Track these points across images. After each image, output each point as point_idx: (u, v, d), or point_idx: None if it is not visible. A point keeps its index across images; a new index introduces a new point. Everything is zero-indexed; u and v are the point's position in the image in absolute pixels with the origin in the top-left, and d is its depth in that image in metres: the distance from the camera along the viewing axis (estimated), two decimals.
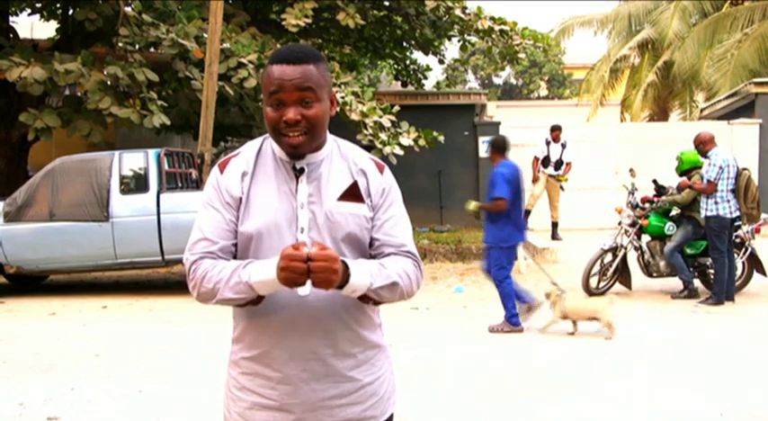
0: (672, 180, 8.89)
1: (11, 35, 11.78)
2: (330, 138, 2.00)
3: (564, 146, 13.06)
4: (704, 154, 8.20)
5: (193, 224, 1.97)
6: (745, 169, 8.19)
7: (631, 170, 9.33)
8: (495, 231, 6.95)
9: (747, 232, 8.46)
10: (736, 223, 8.43)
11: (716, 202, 7.95)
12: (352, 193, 1.93)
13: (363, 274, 1.81)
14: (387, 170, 2.02)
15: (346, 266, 1.78)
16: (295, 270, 1.70)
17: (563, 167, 13.09)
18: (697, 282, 8.53)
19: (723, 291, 7.99)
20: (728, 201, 7.94)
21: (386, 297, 1.88)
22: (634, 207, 8.84)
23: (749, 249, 8.47)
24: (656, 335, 6.78)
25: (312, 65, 1.86)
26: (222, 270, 1.85)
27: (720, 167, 7.94)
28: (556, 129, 13.06)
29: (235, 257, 1.94)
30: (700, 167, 8.34)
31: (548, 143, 13.08)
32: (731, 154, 8.32)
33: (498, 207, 6.84)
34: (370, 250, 1.97)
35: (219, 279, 1.84)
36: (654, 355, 6.06)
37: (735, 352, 6.15)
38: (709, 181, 7.96)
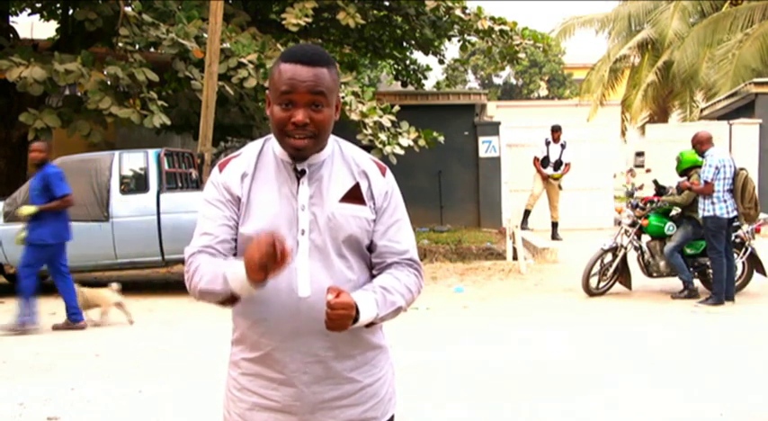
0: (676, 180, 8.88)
1: (11, 35, 11.77)
2: (331, 138, 1.99)
3: (563, 146, 13.06)
4: (701, 153, 8.19)
5: (194, 224, 1.98)
6: (742, 169, 8.19)
7: (630, 171, 9.34)
8: (51, 229, 7.27)
9: (747, 232, 8.46)
10: (736, 223, 8.44)
11: (713, 203, 7.94)
12: (354, 195, 1.93)
13: (370, 309, 1.84)
14: (388, 172, 2.03)
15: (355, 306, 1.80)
16: (262, 254, 1.65)
17: (562, 168, 13.10)
18: (697, 282, 8.52)
19: (723, 290, 7.98)
20: (725, 201, 7.93)
21: (388, 319, 1.93)
22: (634, 207, 8.84)
23: (749, 249, 8.47)
24: (656, 335, 6.78)
25: (326, 68, 1.86)
26: (212, 264, 1.84)
27: (716, 168, 7.93)
28: (557, 130, 13.07)
29: (235, 255, 1.95)
30: (699, 167, 8.34)
31: (547, 143, 13.09)
32: (728, 154, 8.30)
33: (67, 203, 7.29)
34: (372, 257, 1.98)
35: (205, 271, 1.84)
36: (654, 355, 6.06)
37: (735, 352, 6.15)
38: (706, 181, 7.95)
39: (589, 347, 6.39)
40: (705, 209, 7.99)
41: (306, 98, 1.84)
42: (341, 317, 1.75)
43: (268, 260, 1.66)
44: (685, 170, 8.50)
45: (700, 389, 5.12)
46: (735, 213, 8.02)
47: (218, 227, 1.92)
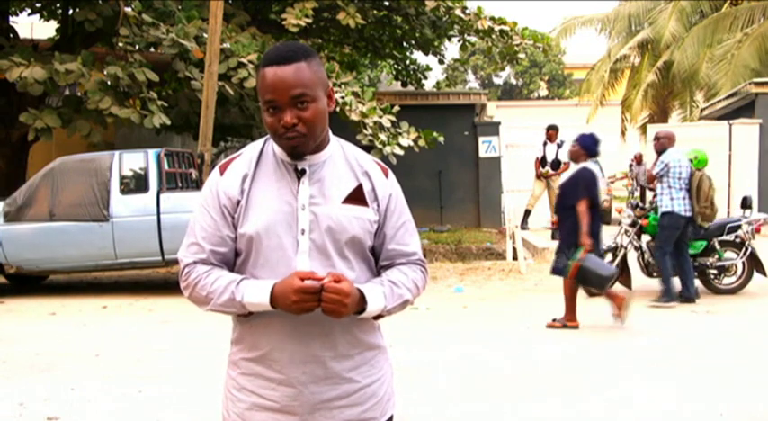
0: None
1: (11, 35, 11.76)
2: (333, 139, 1.99)
3: (560, 146, 13.08)
4: (663, 150, 8.27)
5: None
6: (701, 170, 8.28)
7: (631, 170, 9.39)
8: None
9: (747, 232, 8.48)
10: (736, 223, 8.49)
11: (671, 198, 8.07)
12: (357, 197, 1.93)
13: (378, 300, 1.87)
14: (391, 174, 2.03)
15: (363, 295, 1.84)
16: (306, 302, 1.77)
17: (562, 166, 13.10)
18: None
19: (672, 288, 8.06)
20: (684, 198, 8.04)
21: (395, 312, 1.95)
22: (634, 207, 8.84)
23: (749, 249, 8.48)
24: (655, 335, 6.78)
25: (303, 62, 1.84)
26: (216, 280, 1.88)
27: (666, 165, 8.08)
28: (551, 129, 13.12)
29: (236, 256, 1.95)
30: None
31: (544, 144, 13.13)
32: (684, 155, 8.39)
33: None
34: (380, 259, 2.00)
35: (213, 290, 1.87)
36: (653, 355, 6.06)
37: (735, 352, 6.15)
38: (654, 175, 8.22)
39: (589, 347, 6.39)
40: (664, 204, 8.11)
41: (288, 99, 1.83)
42: (333, 302, 1.77)
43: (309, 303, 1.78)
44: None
45: (700, 389, 5.12)
46: (690, 213, 8.11)
47: (210, 237, 1.92)
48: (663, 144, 8.23)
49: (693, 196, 8.13)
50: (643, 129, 23.13)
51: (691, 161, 8.52)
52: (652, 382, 5.31)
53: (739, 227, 8.51)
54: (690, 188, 8.11)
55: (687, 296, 8.07)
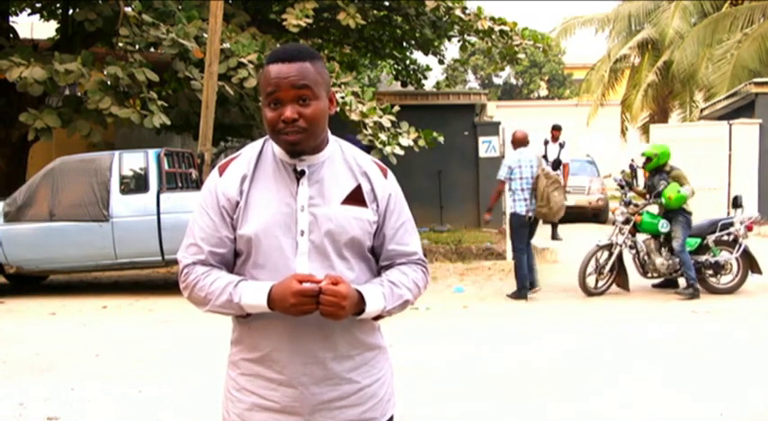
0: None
1: (11, 35, 11.77)
2: (332, 139, 1.99)
3: (562, 146, 13.06)
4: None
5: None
6: (543, 169, 8.55)
7: (625, 171, 9.39)
8: None
9: (740, 229, 8.53)
10: (729, 220, 8.56)
11: (514, 200, 8.44)
12: (356, 197, 1.93)
13: (377, 301, 1.87)
14: (390, 174, 2.03)
15: (362, 297, 1.84)
16: (304, 305, 1.78)
17: (561, 167, 13.08)
18: None
19: (527, 286, 8.44)
20: (525, 199, 8.35)
21: (395, 313, 1.95)
22: (627, 204, 8.84)
23: (742, 245, 8.49)
24: (654, 336, 6.78)
25: (308, 62, 1.86)
26: (214, 282, 1.88)
27: (509, 167, 8.42)
28: (556, 129, 13.07)
29: (236, 257, 1.95)
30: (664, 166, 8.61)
31: (546, 143, 13.09)
32: (529, 154, 8.56)
33: None
34: (381, 260, 2.00)
35: (211, 291, 1.88)
36: (653, 355, 6.07)
37: (734, 351, 6.15)
38: (499, 180, 8.59)
39: (588, 348, 6.39)
40: (510, 206, 8.53)
41: (291, 94, 1.83)
42: (331, 304, 1.77)
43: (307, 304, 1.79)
44: (662, 165, 8.58)
45: (700, 389, 5.12)
46: (531, 213, 8.41)
47: (208, 238, 1.92)
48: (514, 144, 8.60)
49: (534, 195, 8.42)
50: (643, 128, 23.13)
51: (650, 158, 8.60)
52: (652, 382, 5.31)
53: (732, 223, 8.58)
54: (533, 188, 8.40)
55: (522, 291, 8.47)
